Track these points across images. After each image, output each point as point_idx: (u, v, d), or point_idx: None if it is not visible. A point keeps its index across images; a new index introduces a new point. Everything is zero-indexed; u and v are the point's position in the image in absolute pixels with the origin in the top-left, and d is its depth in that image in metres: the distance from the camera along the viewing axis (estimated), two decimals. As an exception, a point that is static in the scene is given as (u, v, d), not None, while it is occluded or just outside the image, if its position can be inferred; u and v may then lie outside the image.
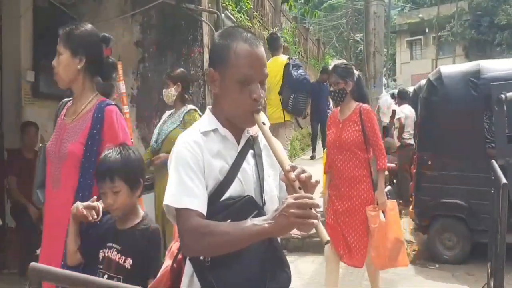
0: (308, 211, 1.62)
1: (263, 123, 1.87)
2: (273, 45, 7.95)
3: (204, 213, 1.79)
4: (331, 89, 4.64)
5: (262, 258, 1.88)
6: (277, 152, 1.80)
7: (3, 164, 6.14)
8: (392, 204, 4.59)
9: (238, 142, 1.95)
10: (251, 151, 1.95)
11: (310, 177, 1.71)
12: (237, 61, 1.86)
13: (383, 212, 4.48)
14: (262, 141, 2.00)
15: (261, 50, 1.92)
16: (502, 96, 6.14)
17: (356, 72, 4.69)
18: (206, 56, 7.10)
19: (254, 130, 1.99)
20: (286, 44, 12.26)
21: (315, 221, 1.62)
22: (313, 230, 1.66)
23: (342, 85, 4.54)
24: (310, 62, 18.84)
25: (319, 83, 11.98)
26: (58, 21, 6.67)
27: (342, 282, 5.76)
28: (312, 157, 12.56)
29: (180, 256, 1.99)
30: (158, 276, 2.07)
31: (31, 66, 6.42)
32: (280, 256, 1.95)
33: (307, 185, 1.70)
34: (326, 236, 1.63)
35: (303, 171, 1.72)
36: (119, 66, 5.37)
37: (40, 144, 4.27)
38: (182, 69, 5.31)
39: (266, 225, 1.67)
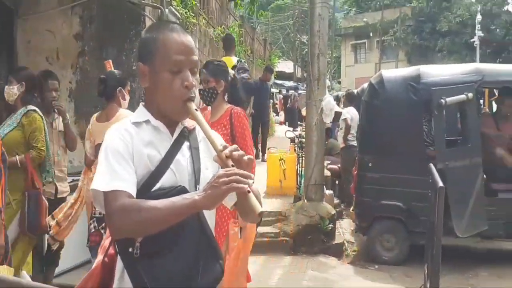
0: (238, 177, 1.64)
1: (196, 109, 1.86)
2: (227, 45, 8.23)
3: (134, 195, 1.75)
4: (201, 87, 4.18)
5: (194, 248, 1.84)
6: (209, 134, 1.81)
7: None
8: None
9: (173, 135, 1.92)
10: (186, 143, 1.93)
11: (242, 155, 1.73)
12: (165, 50, 1.85)
13: (240, 229, 3.93)
14: (199, 134, 1.98)
15: (189, 38, 1.91)
16: (442, 101, 6.27)
17: (231, 72, 4.31)
18: (149, 52, 6.94)
19: (190, 123, 1.97)
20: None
21: (245, 186, 1.64)
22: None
23: (212, 83, 4.10)
24: (257, 62, 18.81)
25: (262, 81, 11.83)
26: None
27: (284, 283, 5.76)
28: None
29: (111, 250, 1.92)
30: (89, 271, 1.99)
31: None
32: (214, 246, 1.91)
33: (241, 163, 1.72)
34: (258, 207, 1.66)
35: (236, 150, 1.74)
36: (109, 64, 5.19)
37: None
38: (30, 71, 4.83)
39: (196, 197, 1.66)
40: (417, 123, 6.96)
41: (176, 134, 1.92)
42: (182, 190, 1.82)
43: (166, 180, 1.82)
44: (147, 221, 1.69)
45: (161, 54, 1.85)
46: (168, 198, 1.71)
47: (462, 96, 6.48)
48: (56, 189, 4.96)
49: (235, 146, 1.77)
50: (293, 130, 13.00)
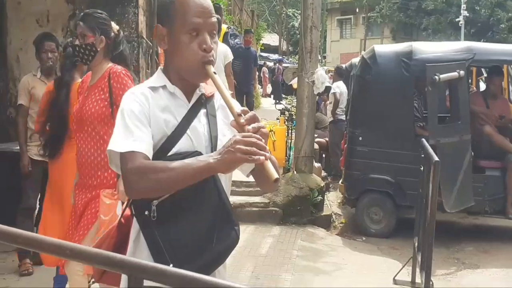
0: (255, 148, 1.62)
1: (214, 72, 1.84)
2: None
3: (150, 156, 1.75)
4: (77, 42, 3.46)
5: (210, 214, 1.84)
6: (227, 97, 1.78)
7: None
8: None
9: (190, 102, 1.91)
10: (203, 110, 1.91)
11: (259, 127, 1.70)
12: (184, 12, 1.84)
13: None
14: (217, 102, 1.96)
15: (207, 0, 1.89)
16: (436, 77, 6.32)
17: (115, 27, 3.58)
18: (141, 17, 6.84)
19: (208, 90, 1.95)
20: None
21: (261, 157, 1.62)
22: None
23: (90, 38, 3.39)
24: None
25: (245, 48, 10.54)
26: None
27: (273, 252, 5.83)
28: None
29: (128, 211, 1.94)
30: (106, 231, 2.03)
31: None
32: (229, 213, 1.90)
33: (258, 133, 1.70)
34: (274, 173, 1.64)
35: (254, 118, 1.71)
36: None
37: None
38: None
39: (211, 160, 1.66)
40: (408, 99, 7.05)
41: (193, 101, 1.91)
42: (197, 155, 1.81)
43: (182, 145, 1.82)
44: (162, 182, 1.69)
45: (180, 17, 1.83)
46: (183, 160, 1.71)
47: (454, 74, 6.53)
48: None
49: (253, 113, 1.73)
50: (278, 103, 12.99)
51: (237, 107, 1.77)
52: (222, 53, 7.05)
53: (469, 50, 7.04)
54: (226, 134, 1.91)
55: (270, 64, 24.60)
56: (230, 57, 7.32)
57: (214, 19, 1.87)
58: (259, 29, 23.19)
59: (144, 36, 6.71)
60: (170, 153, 1.80)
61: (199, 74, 1.86)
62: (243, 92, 10.33)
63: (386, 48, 8.28)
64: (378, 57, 7.28)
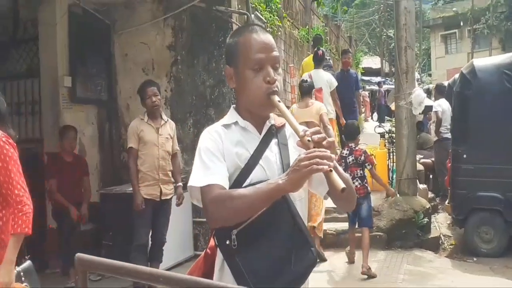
0: (318, 159, 1.70)
1: (279, 101, 1.94)
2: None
3: (227, 187, 1.88)
4: None
5: (287, 238, 1.93)
6: (291, 121, 1.88)
7: (43, 168, 6.34)
8: None
9: (261, 134, 2.02)
10: (274, 140, 2.02)
11: (322, 138, 1.78)
12: (247, 50, 1.97)
13: None
14: (288, 130, 2.06)
15: (268, 36, 2.01)
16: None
17: None
18: (238, 57, 7.19)
19: (278, 121, 2.06)
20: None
21: (325, 167, 1.69)
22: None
23: None
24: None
25: (343, 71, 10.13)
26: (92, 27, 6.99)
27: (379, 277, 5.77)
28: None
29: (212, 242, 2.06)
30: (195, 262, 2.16)
31: (68, 72, 6.63)
32: (305, 235, 1.97)
33: (321, 146, 1.77)
34: (341, 183, 1.70)
35: (317, 132, 1.79)
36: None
37: None
38: None
39: (280, 181, 1.76)
40: (512, 111, 6.78)
41: (263, 132, 2.01)
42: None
43: (256, 176, 1.92)
44: (238, 208, 1.81)
45: (243, 55, 1.96)
46: (255, 185, 1.83)
47: None
48: (161, 191, 5.33)
49: (317, 128, 1.81)
50: (379, 126, 12.81)
51: (302, 128, 1.86)
52: (327, 80, 7.98)
53: None
54: None
55: (374, 87, 24.33)
56: (335, 84, 8.10)
57: (276, 53, 1.99)
58: (358, 54, 23.12)
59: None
60: (244, 184, 1.92)
61: (265, 105, 1.97)
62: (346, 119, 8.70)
63: (486, 61, 8.03)
64: (477, 71, 7.12)
